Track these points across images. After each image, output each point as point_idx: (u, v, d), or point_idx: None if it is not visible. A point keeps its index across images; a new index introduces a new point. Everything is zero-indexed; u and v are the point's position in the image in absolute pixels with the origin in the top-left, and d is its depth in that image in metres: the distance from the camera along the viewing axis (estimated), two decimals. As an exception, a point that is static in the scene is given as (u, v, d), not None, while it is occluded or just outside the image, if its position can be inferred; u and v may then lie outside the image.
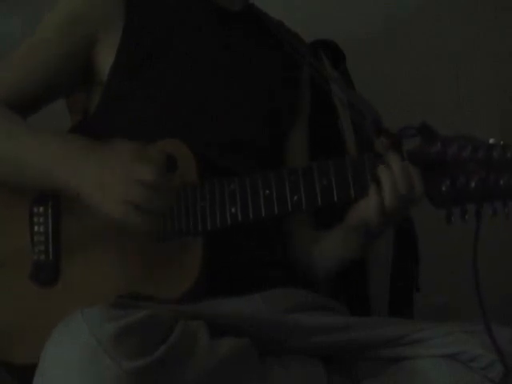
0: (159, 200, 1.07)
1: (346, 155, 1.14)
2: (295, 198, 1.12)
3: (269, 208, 1.13)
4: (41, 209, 1.23)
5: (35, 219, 1.23)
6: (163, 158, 1.09)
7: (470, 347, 1.03)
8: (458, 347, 1.04)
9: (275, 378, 1.06)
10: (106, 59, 1.28)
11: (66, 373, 0.91)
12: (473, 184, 1.08)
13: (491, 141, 1.09)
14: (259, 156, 1.30)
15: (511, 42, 1.88)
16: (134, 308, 0.97)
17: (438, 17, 1.88)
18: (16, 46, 1.33)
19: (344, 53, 1.59)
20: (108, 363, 0.90)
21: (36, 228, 1.22)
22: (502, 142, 1.08)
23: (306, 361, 1.11)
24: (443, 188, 1.09)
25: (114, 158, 1.10)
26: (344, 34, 1.74)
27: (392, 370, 1.08)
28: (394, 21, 1.89)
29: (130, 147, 1.11)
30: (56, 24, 1.30)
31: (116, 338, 0.91)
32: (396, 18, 1.89)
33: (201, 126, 1.27)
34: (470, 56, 1.88)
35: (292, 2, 1.83)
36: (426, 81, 1.88)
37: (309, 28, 1.53)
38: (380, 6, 1.87)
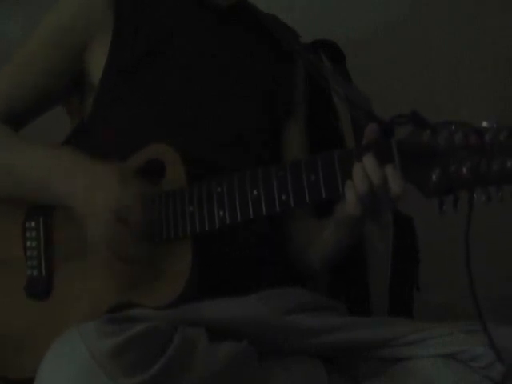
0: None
1: (333, 150, 1.11)
2: (283, 197, 1.12)
3: (257, 209, 1.12)
4: (32, 224, 1.24)
5: (27, 234, 1.24)
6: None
7: (470, 347, 1.03)
8: (457, 347, 1.04)
9: (276, 379, 1.06)
10: (97, 64, 1.28)
11: None
12: (464, 170, 1.05)
13: (484, 124, 1.05)
14: (258, 154, 1.30)
15: (510, 42, 1.88)
16: (131, 322, 0.96)
17: (438, 17, 1.88)
18: (16, 46, 1.33)
19: (344, 53, 1.59)
20: (105, 380, 0.90)
21: (28, 243, 1.23)
22: (495, 125, 1.05)
23: (307, 361, 1.11)
24: (434, 177, 1.06)
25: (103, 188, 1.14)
26: (344, 34, 1.75)
27: (392, 370, 1.08)
28: (393, 21, 1.89)
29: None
30: (45, 35, 1.31)
31: (112, 355, 0.91)
32: (396, 18, 1.89)
33: (198, 124, 1.27)
34: (470, 57, 1.88)
35: (292, 2, 1.83)
36: (426, 81, 1.88)
37: (309, 28, 1.53)
38: (380, 6, 1.87)
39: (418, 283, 1.45)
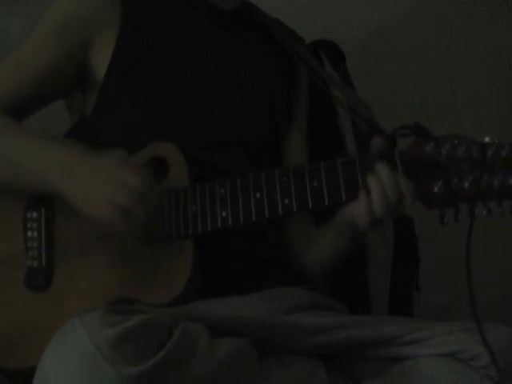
0: (144, 205, 1.10)
1: (337, 158, 1.12)
2: (286, 201, 1.12)
3: (259, 212, 1.13)
4: (34, 214, 1.23)
5: (28, 225, 1.23)
6: (151, 170, 1.12)
7: (470, 346, 1.03)
8: (457, 346, 1.04)
9: (275, 378, 1.06)
10: (102, 60, 1.28)
11: (65, 379, 0.91)
12: (466, 184, 1.07)
13: (487, 139, 1.08)
14: (257, 156, 1.30)
15: (509, 40, 1.88)
16: (132, 313, 0.97)
17: (438, 17, 1.89)
18: (16, 46, 1.33)
19: (344, 53, 1.59)
20: (107, 369, 0.90)
21: (29, 234, 1.23)
22: (496, 141, 1.07)
23: (307, 361, 1.11)
24: (435, 189, 1.08)
25: (103, 163, 1.14)
26: (344, 34, 1.75)
27: (392, 370, 1.08)
28: (393, 21, 1.89)
29: (118, 156, 1.15)
30: (50, 26, 1.30)
31: (115, 344, 0.91)
32: (395, 18, 1.89)
33: (197, 125, 1.27)
34: (470, 57, 1.88)
35: (292, 2, 1.83)
36: (426, 81, 1.88)
37: (309, 28, 1.53)
38: (380, 6, 1.88)
39: (417, 284, 1.45)
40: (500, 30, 1.89)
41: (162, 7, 1.33)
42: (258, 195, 1.13)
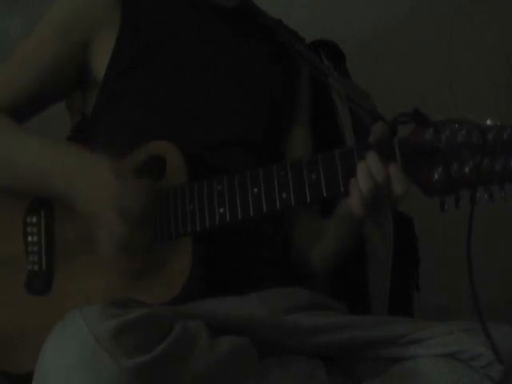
0: (141, 231, 1.13)
1: (334, 149, 1.11)
2: (284, 195, 1.12)
3: (257, 207, 1.12)
4: (34, 219, 1.24)
5: (28, 229, 1.24)
6: (150, 172, 1.14)
7: (470, 346, 1.03)
8: (457, 346, 1.04)
9: (275, 378, 1.06)
10: (102, 60, 1.28)
11: (65, 371, 0.91)
12: (466, 170, 1.04)
13: (488, 121, 1.04)
14: (257, 155, 1.30)
15: (509, 40, 1.88)
16: (132, 307, 0.97)
17: (438, 17, 1.89)
18: (17, 43, 1.33)
19: (344, 53, 1.59)
20: (107, 361, 0.90)
21: (30, 238, 1.23)
22: (498, 123, 1.04)
23: (307, 361, 1.11)
24: (436, 176, 1.06)
25: (102, 171, 1.14)
26: (344, 34, 1.75)
27: (392, 370, 1.08)
28: (393, 21, 1.89)
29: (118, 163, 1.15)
30: (51, 26, 1.31)
31: (115, 336, 0.91)
32: (395, 18, 1.89)
33: (197, 125, 1.27)
34: (470, 57, 1.88)
35: (292, 2, 1.83)
36: (426, 81, 1.88)
37: (309, 28, 1.53)
38: (379, 5, 1.88)
39: (417, 284, 1.45)
40: (500, 30, 1.89)
41: (162, 7, 1.33)
42: (255, 190, 1.13)
